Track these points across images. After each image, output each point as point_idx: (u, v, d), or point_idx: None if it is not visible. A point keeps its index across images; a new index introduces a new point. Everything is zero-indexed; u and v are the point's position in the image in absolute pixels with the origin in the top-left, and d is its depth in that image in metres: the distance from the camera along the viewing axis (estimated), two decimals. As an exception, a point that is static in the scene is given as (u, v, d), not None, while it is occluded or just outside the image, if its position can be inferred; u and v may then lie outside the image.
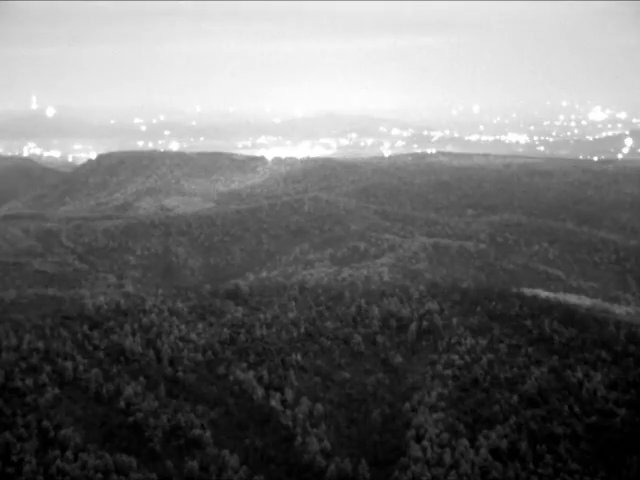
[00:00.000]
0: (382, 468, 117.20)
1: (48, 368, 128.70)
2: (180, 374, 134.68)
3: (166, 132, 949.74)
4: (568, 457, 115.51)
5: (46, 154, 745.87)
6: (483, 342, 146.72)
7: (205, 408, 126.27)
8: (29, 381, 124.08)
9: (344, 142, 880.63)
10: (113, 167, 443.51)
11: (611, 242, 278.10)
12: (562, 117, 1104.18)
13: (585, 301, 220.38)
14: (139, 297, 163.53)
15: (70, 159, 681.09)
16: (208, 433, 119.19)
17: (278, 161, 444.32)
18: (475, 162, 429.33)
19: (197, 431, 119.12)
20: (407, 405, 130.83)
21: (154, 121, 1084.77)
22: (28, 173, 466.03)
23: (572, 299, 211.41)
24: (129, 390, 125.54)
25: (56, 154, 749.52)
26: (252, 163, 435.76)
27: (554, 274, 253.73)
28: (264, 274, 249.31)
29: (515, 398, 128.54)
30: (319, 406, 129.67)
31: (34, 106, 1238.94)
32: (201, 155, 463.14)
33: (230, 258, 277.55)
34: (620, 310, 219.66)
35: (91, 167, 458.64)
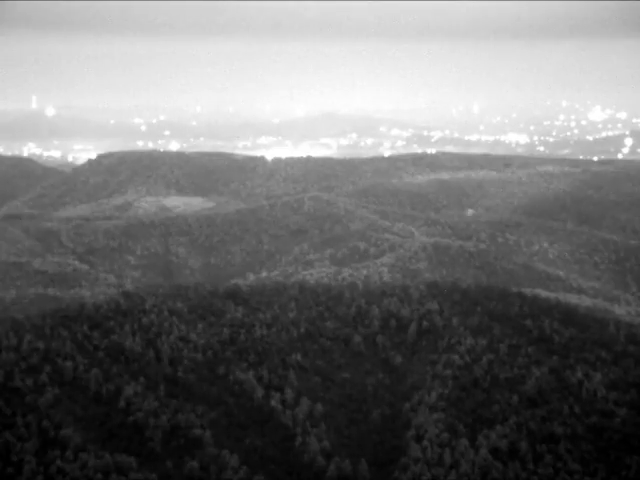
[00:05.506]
0: (382, 468, 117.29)
1: (48, 368, 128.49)
2: (180, 374, 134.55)
3: (166, 132, 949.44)
4: (568, 457, 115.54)
5: (46, 154, 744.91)
6: (483, 342, 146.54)
7: (205, 408, 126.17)
8: (29, 381, 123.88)
9: (344, 142, 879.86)
10: (113, 167, 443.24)
11: (611, 242, 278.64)
12: (562, 117, 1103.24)
13: (585, 301, 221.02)
14: (139, 297, 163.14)
15: (70, 159, 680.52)
16: (208, 433, 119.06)
17: (278, 161, 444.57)
18: (475, 162, 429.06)
19: (197, 431, 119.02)
20: (407, 405, 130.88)
21: (154, 121, 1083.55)
22: (28, 173, 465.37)
23: (572, 299, 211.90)
24: (129, 390, 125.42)
25: (56, 154, 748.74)
26: (252, 163, 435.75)
27: (554, 274, 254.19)
28: (264, 274, 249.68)
29: (515, 398, 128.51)
30: (319, 406, 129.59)
31: (34, 106, 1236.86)
32: (201, 155, 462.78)
33: (230, 258, 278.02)
34: (620, 310, 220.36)
35: (91, 167, 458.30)
